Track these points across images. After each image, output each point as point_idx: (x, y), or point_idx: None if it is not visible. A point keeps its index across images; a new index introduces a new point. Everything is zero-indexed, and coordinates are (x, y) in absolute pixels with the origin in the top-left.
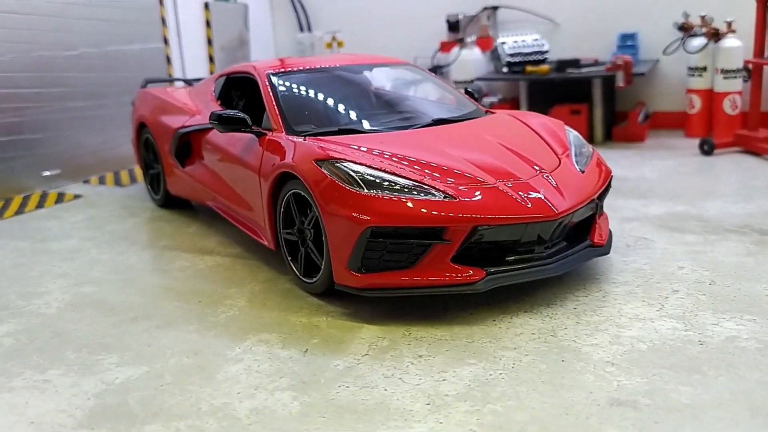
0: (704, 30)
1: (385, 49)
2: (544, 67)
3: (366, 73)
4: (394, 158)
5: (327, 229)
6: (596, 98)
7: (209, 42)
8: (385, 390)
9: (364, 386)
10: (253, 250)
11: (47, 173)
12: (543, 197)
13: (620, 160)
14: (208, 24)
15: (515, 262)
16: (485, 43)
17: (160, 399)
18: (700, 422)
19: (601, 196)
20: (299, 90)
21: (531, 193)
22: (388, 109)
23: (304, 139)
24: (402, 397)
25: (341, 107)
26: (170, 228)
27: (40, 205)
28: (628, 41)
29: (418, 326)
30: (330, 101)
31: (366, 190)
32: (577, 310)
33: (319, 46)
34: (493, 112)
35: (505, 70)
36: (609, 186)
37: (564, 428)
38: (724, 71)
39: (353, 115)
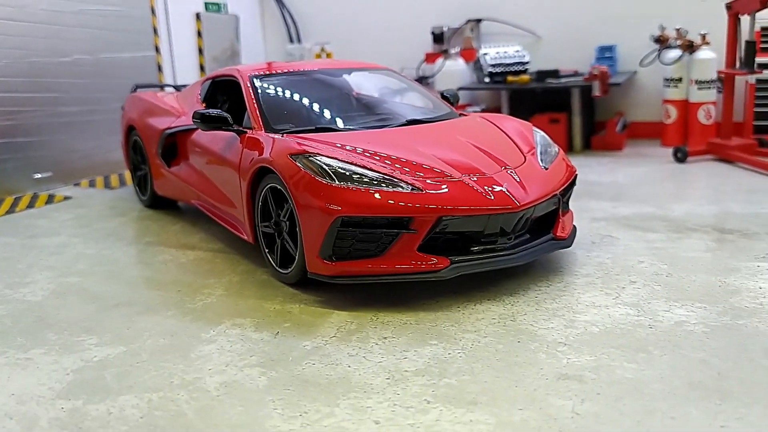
0: (679, 42)
1: (373, 60)
2: (525, 77)
3: (346, 77)
4: (365, 153)
5: (300, 219)
6: (575, 107)
7: (200, 51)
8: (349, 367)
9: (330, 363)
10: (233, 245)
11: (39, 176)
12: (506, 191)
13: (596, 167)
14: (199, 34)
15: (479, 252)
16: (469, 54)
17: (135, 374)
18: (641, 393)
19: (565, 193)
20: (280, 91)
21: (494, 186)
22: (365, 110)
23: (282, 136)
24: (364, 373)
25: (319, 108)
26: (156, 226)
27: (30, 205)
28: (606, 53)
29: (386, 312)
30: (309, 102)
31: (337, 182)
32: (538, 298)
33: (308, 57)
34: (466, 115)
35: (487, 80)
36: (573, 183)
37: (512, 398)
38: (698, 82)
39: (331, 115)
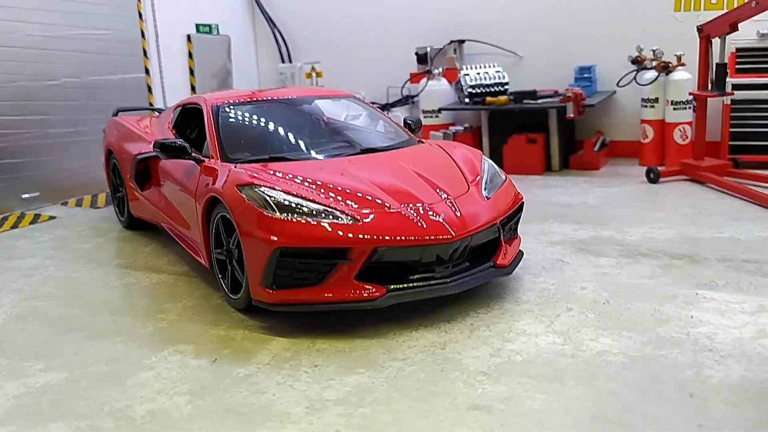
0: (655, 63)
1: (361, 79)
2: (503, 98)
3: (307, 106)
4: (310, 184)
5: (244, 248)
6: (552, 128)
7: (191, 72)
8: (274, 395)
9: (256, 392)
10: (197, 269)
11: (26, 196)
12: (442, 221)
13: (570, 187)
14: (190, 55)
15: (416, 281)
16: (452, 74)
17: (70, 401)
18: (543, 426)
19: (509, 221)
20: (240, 120)
21: (432, 217)
22: (322, 139)
23: (235, 166)
24: (286, 402)
25: (276, 137)
26: (129, 247)
27: (15, 225)
28: (585, 73)
29: (324, 339)
30: (266, 131)
31: (278, 214)
32: (473, 325)
33: (299, 76)
34: (423, 142)
35: (466, 100)
36: (519, 211)
37: (419, 429)
38: (674, 102)
39: (286, 144)
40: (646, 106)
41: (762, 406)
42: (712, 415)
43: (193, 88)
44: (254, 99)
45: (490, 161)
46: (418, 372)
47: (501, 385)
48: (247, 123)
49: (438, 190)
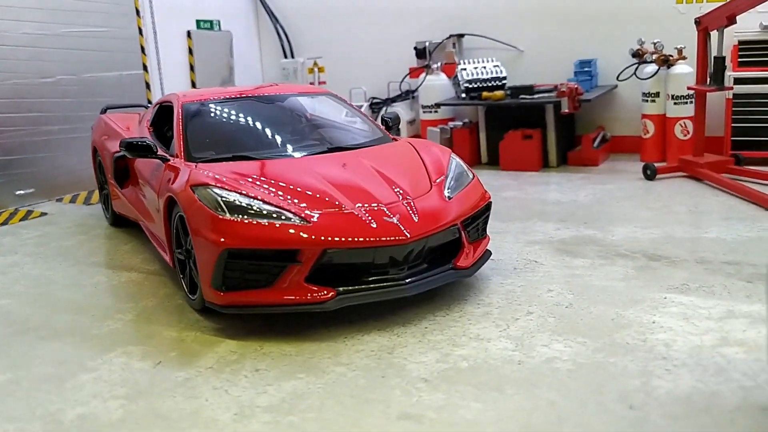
0: (655, 57)
1: (362, 74)
2: (499, 93)
3: (281, 103)
4: (265, 184)
5: (195, 249)
6: (549, 123)
7: (192, 68)
8: (206, 401)
9: (190, 396)
10: (167, 267)
11: (21, 192)
12: (396, 222)
13: (563, 184)
14: (190, 51)
15: (369, 283)
16: (451, 69)
17: (5, 403)
18: None
19: (473, 221)
20: (208, 119)
21: (386, 218)
22: (290, 137)
23: (196, 166)
24: (217, 408)
25: (243, 136)
26: (108, 245)
27: (5, 222)
28: (585, 67)
29: (273, 342)
30: (234, 130)
31: (228, 215)
32: (427, 329)
33: (301, 71)
34: (396, 140)
35: (463, 95)
36: (486, 211)
37: None
38: (674, 97)
39: (252, 143)
40: (647, 101)
41: (704, 421)
42: (647, 430)
43: (193, 84)
44: (228, 97)
45: (459, 160)
46: (358, 378)
47: (439, 393)
48: (215, 121)
49: (397, 190)
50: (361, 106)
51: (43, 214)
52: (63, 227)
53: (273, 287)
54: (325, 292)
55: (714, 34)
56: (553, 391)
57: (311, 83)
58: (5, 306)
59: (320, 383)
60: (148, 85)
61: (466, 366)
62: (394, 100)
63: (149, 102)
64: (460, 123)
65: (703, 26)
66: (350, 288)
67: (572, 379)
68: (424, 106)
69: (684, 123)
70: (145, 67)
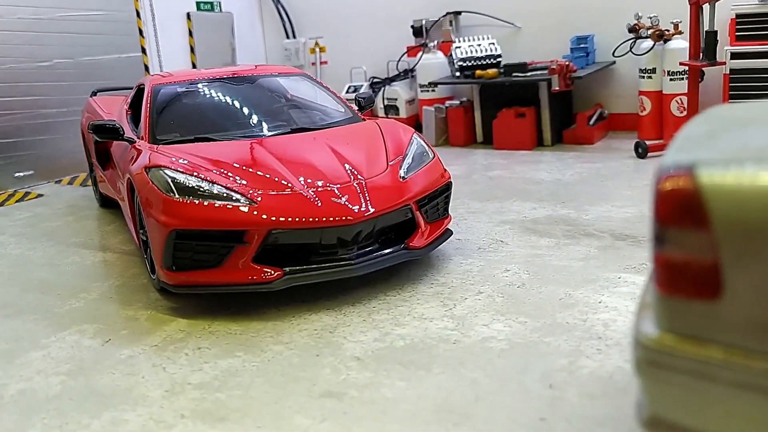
0: (650, 32)
1: (363, 53)
2: (491, 71)
3: (253, 85)
4: (217, 166)
5: (148, 230)
6: (543, 101)
7: (192, 50)
8: (143, 378)
9: (128, 374)
10: None
11: (19, 174)
12: (345, 203)
13: (553, 163)
14: (190, 33)
15: (317, 263)
16: (448, 47)
17: None
18: (383, 415)
19: (429, 201)
20: (177, 101)
21: (333, 198)
22: (256, 118)
23: (156, 148)
24: (150, 385)
25: (207, 118)
26: (92, 226)
27: (1, 204)
28: (581, 43)
29: (222, 321)
30: (199, 112)
31: (177, 196)
32: (375, 308)
33: (303, 51)
34: (364, 119)
35: (457, 74)
36: (446, 190)
37: (260, 416)
38: (670, 73)
39: (216, 125)
40: (643, 77)
41: (620, 401)
42: (561, 409)
43: (194, 66)
44: (200, 79)
45: (420, 140)
46: (293, 357)
47: (367, 371)
48: (183, 104)
49: (351, 171)
50: (361, 86)
51: (40, 195)
52: (54, 208)
53: (221, 267)
54: (272, 272)
55: (706, 8)
56: (478, 371)
57: (313, 63)
58: None
59: (256, 361)
60: (147, 68)
61: (401, 345)
62: (393, 79)
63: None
64: (458, 102)
65: (695, 0)
66: (297, 268)
67: (502, 358)
68: (421, 85)
69: (680, 99)
70: (143, 50)
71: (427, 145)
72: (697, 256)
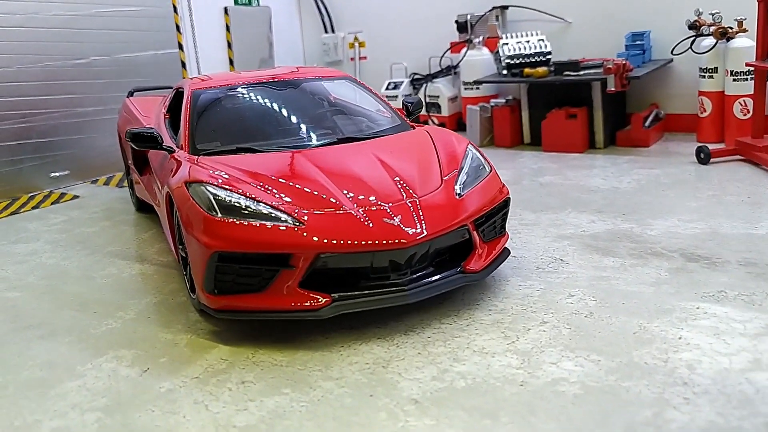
0: (712, 29)
1: (404, 48)
2: (542, 69)
3: (296, 89)
4: (261, 181)
5: (188, 249)
6: (596, 101)
7: (229, 45)
8: (184, 417)
9: (168, 411)
10: None
11: (56, 174)
12: (398, 224)
13: (607, 169)
14: (227, 28)
15: (368, 288)
16: (494, 43)
17: None
18: None
19: (487, 220)
20: (217, 108)
21: (385, 219)
22: (299, 126)
23: (197, 160)
24: (192, 426)
25: (249, 126)
26: (129, 233)
27: (37, 205)
28: (637, 40)
29: (267, 349)
30: (242, 120)
31: (220, 215)
32: (430, 339)
33: (342, 46)
34: (413, 127)
35: (504, 72)
36: (504, 207)
37: None
38: (733, 73)
39: (258, 134)
40: (704, 77)
41: None
42: None
43: (231, 62)
44: (240, 83)
45: (476, 152)
46: (345, 396)
47: (428, 418)
48: (224, 110)
49: (403, 188)
50: (401, 83)
51: (75, 197)
52: (90, 212)
53: (265, 292)
54: (320, 299)
55: None
56: (552, 422)
57: (351, 59)
58: (14, 299)
59: (304, 401)
60: (183, 65)
61: (463, 385)
62: (435, 76)
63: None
64: (503, 101)
65: None
66: (347, 294)
67: (577, 406)
68: (465, 83)
69: (744, 101)
70: (180, 46)
71: (483, 156)
72: None
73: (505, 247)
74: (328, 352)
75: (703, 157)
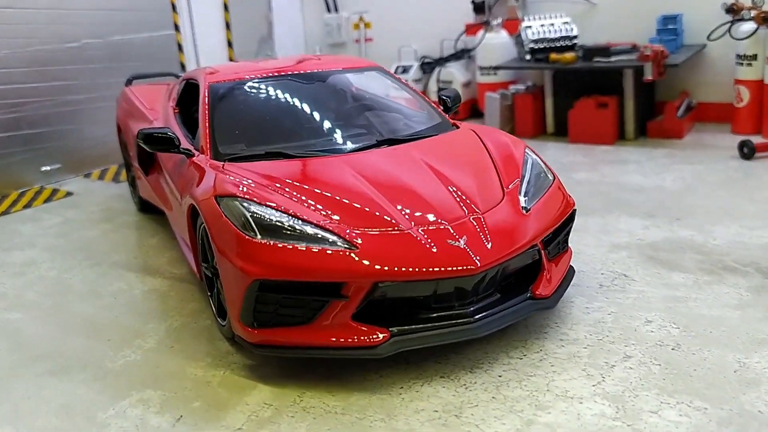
0: (753, 13)
1: (413, 30)
2: (569, 55)
3: (324, 82)
4: (302, 194)
5: (221, 273)
6: (628, 90)
7: (227, 26)
8: None
9: None
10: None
11: (47, 168)
12: (463, 246)
13: (645, 163)
14: (226, 8)
15: (430, 321)
16: (513, 25)
17: None
18: None
19: (555, 237)
20: (238, 104)
21: (449, 240)
22: (332, 126)
23: (223, 166)
24: None
25: (278, 125)
26: (133, 238)
27: (28, 204)
28: (669, 24)
29: (315, 390)
30: (268, 118)
31: (259, 237)
32: (502, 378)
33: (346, 27)
34: (458, 126)
35: (528, 57)
36: (570, 221)
37: None
38: None
39: (288, 135)
40: (741, 64)
41: None
42: None
43: (230, 44)
44: (262, 75)
45: (535, 156)
46: None
47: None
48: (247, 107)
49: (463, 201)
50: (411, 66)
51: (69, 193)
52: (87, 212)
53: (312, 325)
54: (377, 334)
55: None
56: None
57: (356, 40)
58: (15, 322)
59: None
60: (180, 47)
61: None
62: (447, 59)
63: (183, 67)
64: (523, 87)
65: None
66: (407, 328)
67: None
68: (481, 68)
69: None
70: (177, 27)
71: (543, 161)
72: None
73: (570, 265)
74: (387, 395)
75: (747, 151)
